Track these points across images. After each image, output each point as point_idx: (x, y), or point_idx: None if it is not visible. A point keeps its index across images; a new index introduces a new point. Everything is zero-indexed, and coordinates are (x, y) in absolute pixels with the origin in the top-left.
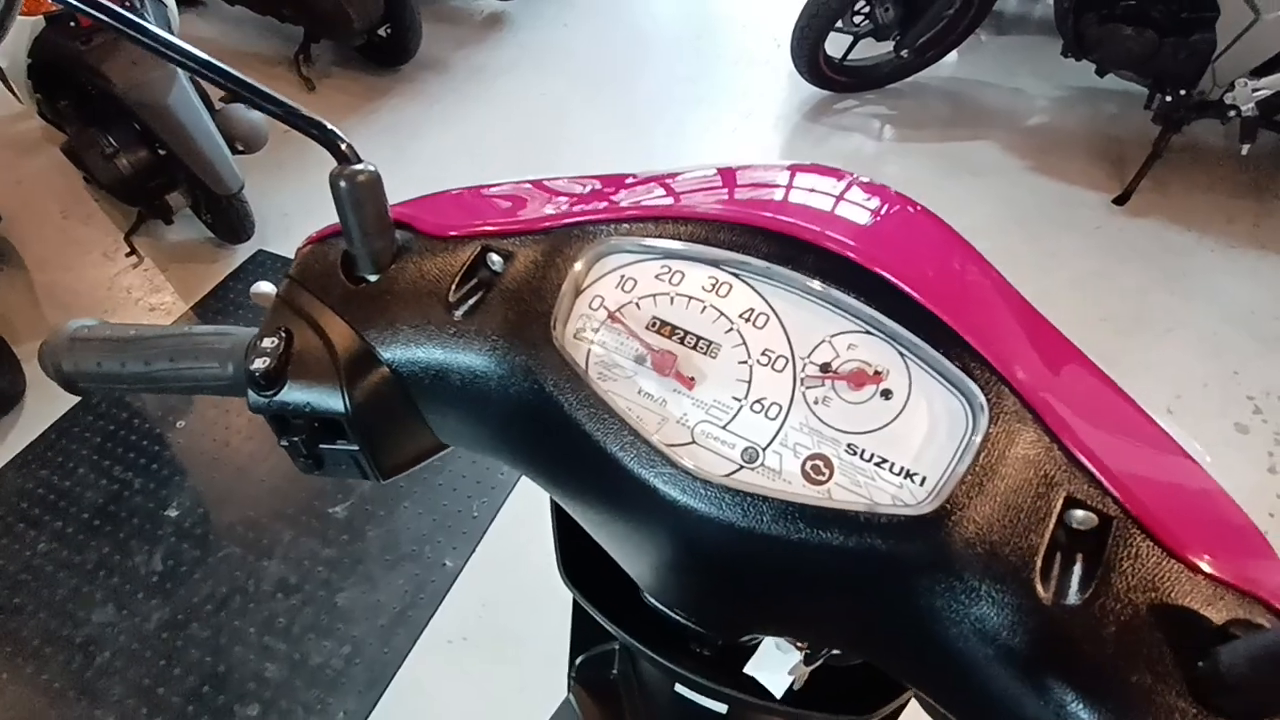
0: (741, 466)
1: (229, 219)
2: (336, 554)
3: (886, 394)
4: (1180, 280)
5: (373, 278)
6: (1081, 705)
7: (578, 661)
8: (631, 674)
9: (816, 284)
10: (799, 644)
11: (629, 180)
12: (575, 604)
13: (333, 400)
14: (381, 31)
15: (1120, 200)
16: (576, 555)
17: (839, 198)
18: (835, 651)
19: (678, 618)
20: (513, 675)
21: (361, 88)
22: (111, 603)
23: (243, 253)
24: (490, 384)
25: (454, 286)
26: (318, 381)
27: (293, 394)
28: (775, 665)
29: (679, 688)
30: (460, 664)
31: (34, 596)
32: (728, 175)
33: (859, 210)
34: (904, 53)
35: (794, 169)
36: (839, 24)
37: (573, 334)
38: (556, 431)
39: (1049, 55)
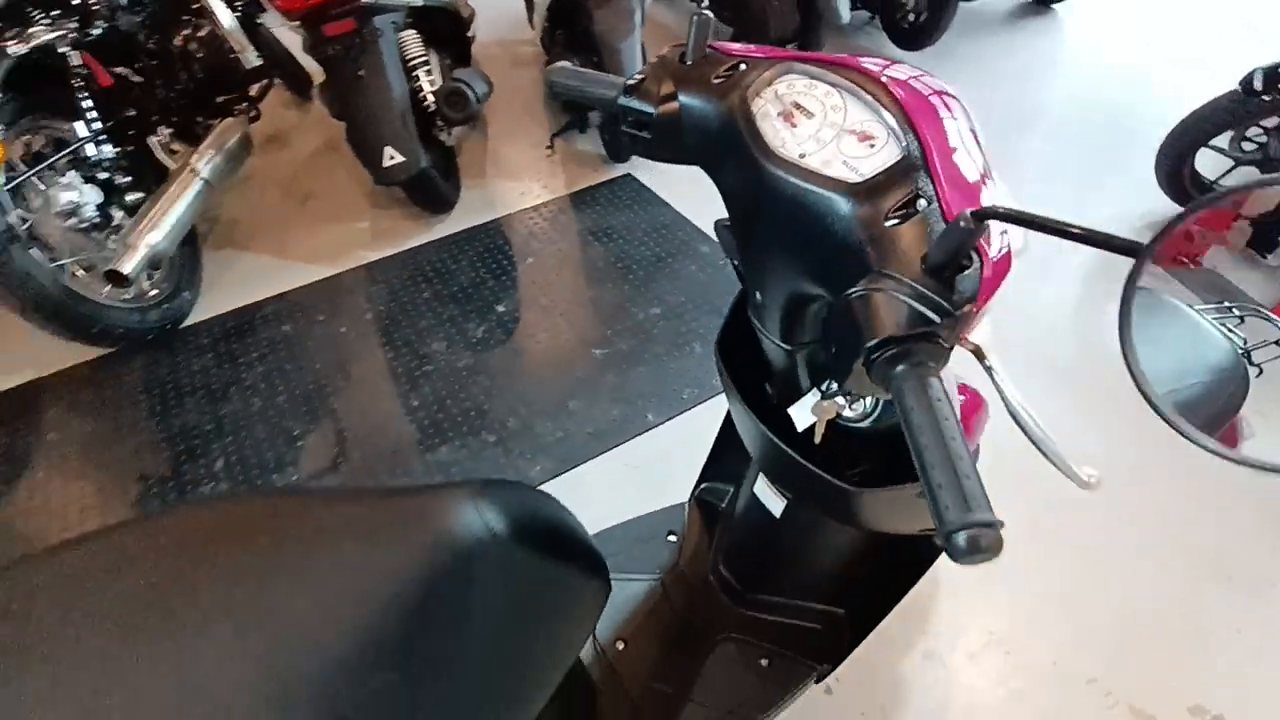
0: (801, 158)
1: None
2: (584, 378)
3: (872, 145)
4: None
5: (689, 63)
6: (879, 270)
7: (701, 486)
8: (731, 509)
9: (869, 99)
10: (820, 389)
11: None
12: (713, 445)
13: (649, 107)
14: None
15: None
16: (730, 346)
17: (907, 73)
18: (845, 408)
19: (761, 334)
20: (653, 503)
21: None
22: (444, 341)
23: (618, 170)
24: (715, 115)
25: (718, 72)
26: (645, 99)
27: (633, 101)
28: (803, 406)
29: (757, 489)
30: (624, 479)
31: (407, 320)
32: (863, 57)
33: (911, 75)
34: None
35: (888, 60)
36: (1223, 144)
37: (755, 96)
38: (734, 143)
39: None
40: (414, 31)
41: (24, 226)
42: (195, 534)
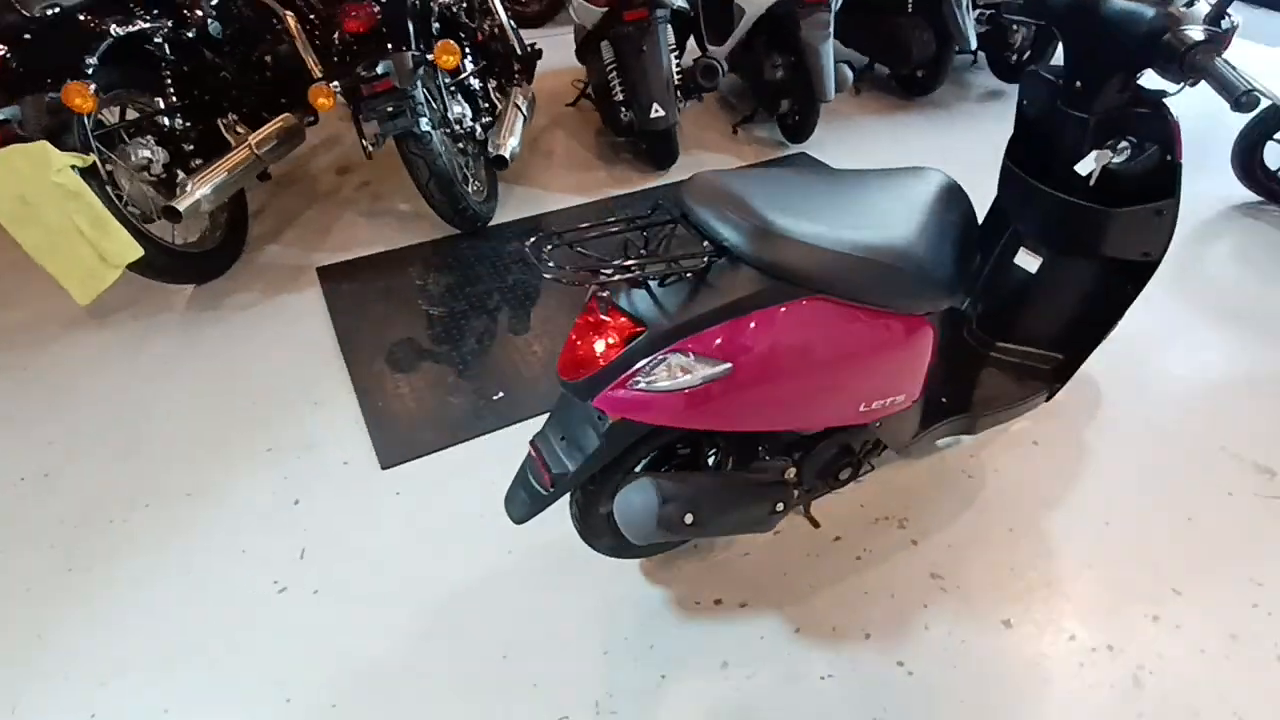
0: None
1: (805, 124)
2: None
3: None
4: None
5: None
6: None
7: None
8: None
9: None
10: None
11: None
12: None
13: None
14: (919, 72)
15: None
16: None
17: None
18: (1115, 156)
19: (1070, 114)
20: None
21: (885, 104)
22: None
23: (794, 149)
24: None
25: None
26: None
27: None
28: (1086, 162)
29: (1017, 259)
30: None
31: None
32: None
33: None
34: None
35: None
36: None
37: None
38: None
39: None
40: (670, 27)
41: (448, 121)
42: (818, 172)
